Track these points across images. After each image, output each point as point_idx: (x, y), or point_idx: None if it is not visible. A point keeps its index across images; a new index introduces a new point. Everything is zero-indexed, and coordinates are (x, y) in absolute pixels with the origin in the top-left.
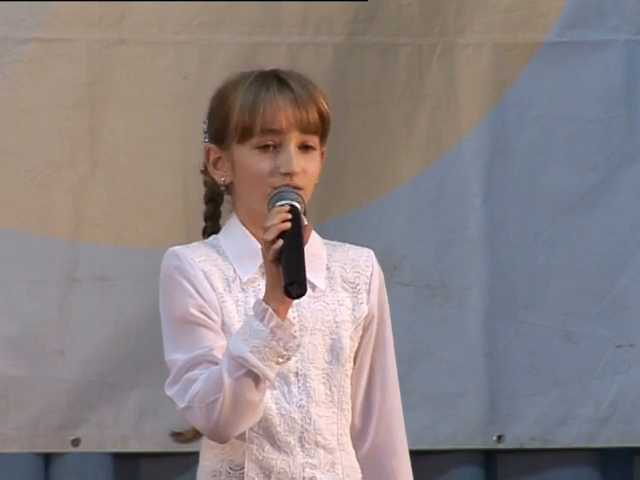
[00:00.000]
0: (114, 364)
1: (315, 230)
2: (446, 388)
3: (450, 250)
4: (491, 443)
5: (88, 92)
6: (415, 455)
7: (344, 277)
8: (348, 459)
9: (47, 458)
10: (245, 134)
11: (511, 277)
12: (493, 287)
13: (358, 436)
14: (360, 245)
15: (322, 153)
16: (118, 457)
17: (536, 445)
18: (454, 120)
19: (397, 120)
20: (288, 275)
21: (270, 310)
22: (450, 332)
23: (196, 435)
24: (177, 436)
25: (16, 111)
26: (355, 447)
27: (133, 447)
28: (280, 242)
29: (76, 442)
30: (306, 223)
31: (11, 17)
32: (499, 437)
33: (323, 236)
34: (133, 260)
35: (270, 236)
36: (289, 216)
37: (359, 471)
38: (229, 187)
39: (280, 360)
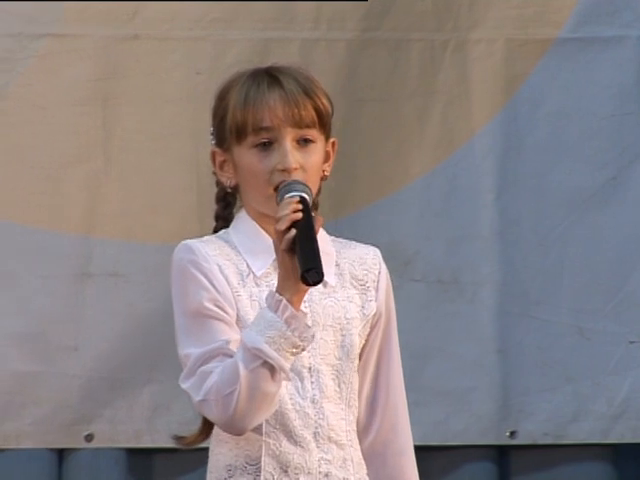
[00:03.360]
0: (127, 360)
1: (327, 227)
2: (458, 384)
3: (462, 246)
4: (504, 439)
5: (101, 88)
6: (427, 451)
7: (353, 274)
8: (357, 455)
9: (61, 454)
10: (240, 134)
11: (523, 273)
12: (505, 283)
13: (362, 431)
14: (373, 242)
15: (333, 144)
16: (132, 452)
17: (549, 441)
18: (466, 116)
19: (409, 116)
20: (305, 263)
21: (284, 301)
22: (462, 328)
23: (198, 438)
24: (180, 440)
25: (29, 107)
26: (359, 442)
27: (146, 443)
28: (293, 231)
29: (89, 438)
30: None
31: (25, 13)
32: (512, 433)
33: (335, 233)
34: (146, 256)
35: (282, 226)
36: (300, 206)
37: (365, 467)
38: (236, 187)
39: (295, 351)
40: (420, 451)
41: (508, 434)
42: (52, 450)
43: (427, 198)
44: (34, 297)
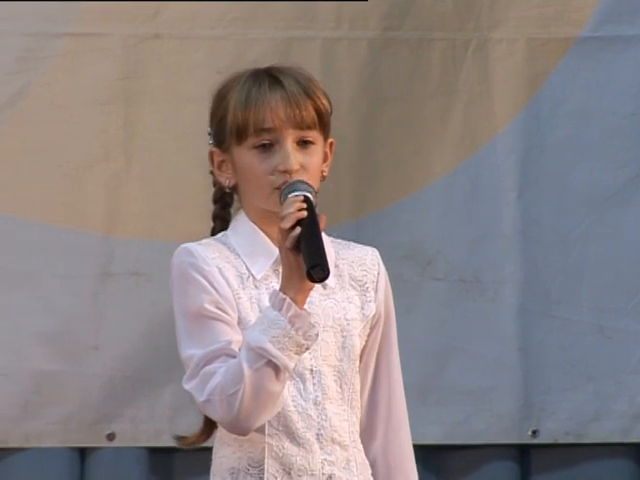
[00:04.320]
0: (148, 359)
1: (348, 226)
2: (480, 383)
3: (484, 245)
4: (525, 438)
5: (122, 87)
6: (449, 450)
7: (352, 275)
8: (360, 456)
9: (82, 453)
10: (240, 135)
11: (545, 272)
12: (527, 282)
13: (365, 434)
14: (395, 241)
15: (330, 144)
16: (153, 452)
17: (570, 440)
18: (488, 115)
19: (431, 115)
20: (310, 259)
21: (288, 299)
22: (484, 327)
23: (199, 439)
24: (181, 440)
25: (50, 106)
26: (365, 444)
27: (167, 442)
28: (298, 229)
29: (111, 437)
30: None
31: (45, 12)
32: (533, 432)
33: (357, 232)
34: (167, 255)
35: (287, 224)
36: (304, 205)
37: (369, 468)
38: (235, 188)
39: (299, 349)
40: (441, 450)
41: (530, 433)
42: (74, 449)
43: (449, 197)
44: (55, 296)
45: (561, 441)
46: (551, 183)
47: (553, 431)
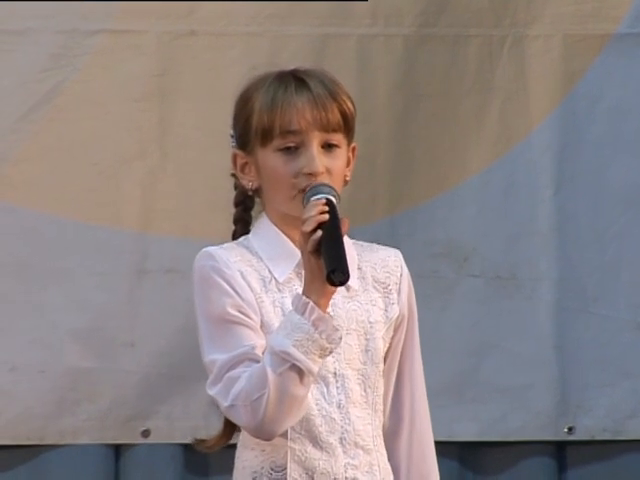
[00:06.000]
0: (183, 356)
1: (384, 222)
2: (516, 380)
3: (520, 242)
4: (562, 435)
5: (158, 84)
6: (486, 447)
7: (375, 277)
8: (383, 460)
9: (117, 449)
10: (265, 137)
11: (581, 269)
12: (563, 279)
13: (388, 437)
14: (431, 237)
15: (353, 149)
16: (188, 448)
17: (607, 437)
18: (524, 112)
19: (467, 112)
20: (330, 263)
21: (311, 303)
22: (520, 324)
23: (220, 441)
24: (200, 443)
25: (86, 103)
26: (389, 448)
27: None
28: (319, 233)
29: (146, 433)
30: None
31: (80, 9)
32: (570, 429)
33: (392, 229)
34: None
35: (309, 227)
36: (326, 208)
37: (391, 473)
38: (258, 190)
39: (322, 353)
40: (478, 447)
41: (566, 430)
42: (108, 446)
43: (485, 194)
44: (91, 294)
45: (598, 438)
46: (587, 180)
47: (590, 428)
